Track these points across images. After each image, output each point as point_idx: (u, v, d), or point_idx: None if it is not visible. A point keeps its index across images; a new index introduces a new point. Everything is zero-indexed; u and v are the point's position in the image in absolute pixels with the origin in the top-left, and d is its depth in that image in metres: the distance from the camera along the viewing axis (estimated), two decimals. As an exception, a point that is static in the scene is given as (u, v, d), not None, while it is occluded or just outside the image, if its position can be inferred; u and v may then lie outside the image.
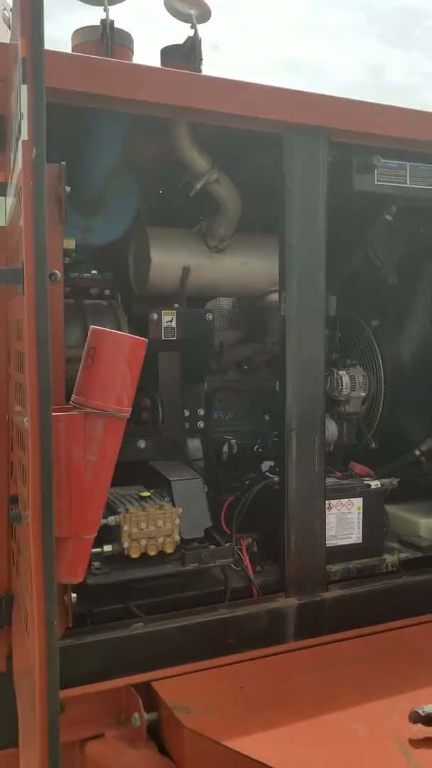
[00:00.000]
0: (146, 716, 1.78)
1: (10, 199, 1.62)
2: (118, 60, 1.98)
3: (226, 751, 1.59)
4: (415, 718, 1.60)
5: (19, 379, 1.37)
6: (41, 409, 1.00)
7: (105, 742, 1.80)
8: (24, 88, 1.00)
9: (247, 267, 2.57)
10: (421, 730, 1.61)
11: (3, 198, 1.76)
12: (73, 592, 1.50)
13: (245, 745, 1.59)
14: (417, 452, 2.82)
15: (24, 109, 1.00)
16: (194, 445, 2.57)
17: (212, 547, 2.13)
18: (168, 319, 2.37)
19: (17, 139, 1.19)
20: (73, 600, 1.50)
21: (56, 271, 1.11)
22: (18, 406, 1.45)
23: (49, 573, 1.01)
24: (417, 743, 1.59)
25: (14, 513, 1.46)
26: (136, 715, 1.80)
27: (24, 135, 1.01)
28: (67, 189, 1.32)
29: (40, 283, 1.02)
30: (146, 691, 1.84)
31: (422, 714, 1.60)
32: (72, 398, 1.30)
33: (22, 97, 1.00)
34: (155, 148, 2.28)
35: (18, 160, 1.17)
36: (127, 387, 1.29)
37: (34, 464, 1.04)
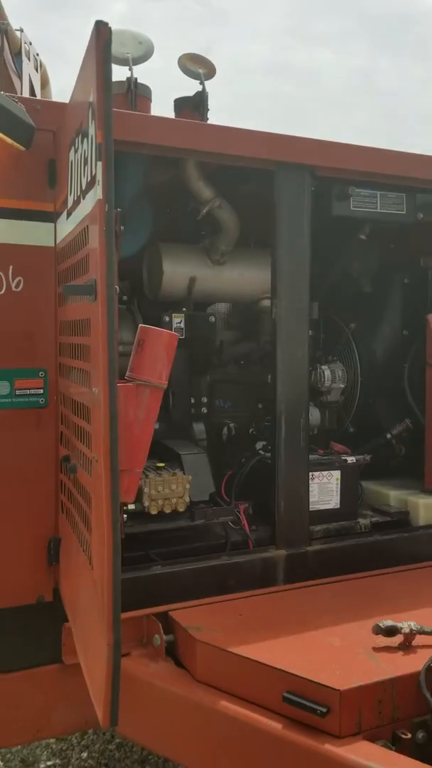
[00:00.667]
0: (165, 637, 2.24)
1: (63, 226, 2.07)
2: (145, 114, 2.43)
3: (230, 656, 2.04)
4: (377, 630, 2.06)
5: (79, 364, 1.82)
6: (110, 382, 1.44)
7: (132, 659, 2.25)
8: (99, 165, 1.44)
9: (243, 277, 3.02)
10: (383, 641, 2.07)
11: (52, 224, 2.21)
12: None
13: (245, 651, 2.04)
14: (388, 435, 3.30)
15: (99, 177, 1.44)
16: (199, 427, 3.02)
17: (216, 507, 2.59)
18: (177, 320, 2.83)
19: (84, 191, 1.63)
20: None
21: (117, 286, 1.53)
22: (76, 386, 1.90)
23: (114, 492, 1.45)
24: (379, 649, 2.04)
25: (71, 465, 1.91)
26: (156, 636, 2.25)
27: (99, 195, 1.45)
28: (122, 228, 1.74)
29: (110, 295, 1.47)
30: (164, 619, 2.28)
31: (382, 627, 2.05)
32: (126, 375, 1.76)
33: (98, 171, 1.44)
34: (168, 179, 2.73)
35: (86, 204, 1.61)
36: (166, 367, 1.76)
37: (105, 419, 1.48)
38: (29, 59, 4.51)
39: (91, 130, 1.52)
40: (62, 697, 2.27)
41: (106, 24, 1.44)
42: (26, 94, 4.41)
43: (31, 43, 4.68)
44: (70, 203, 1.91)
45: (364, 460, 2.93)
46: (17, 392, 2.18)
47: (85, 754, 3.28)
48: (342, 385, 3.24)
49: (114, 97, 2.63)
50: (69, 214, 1.93)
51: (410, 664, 1.95)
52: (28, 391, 2.19)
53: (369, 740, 1.80)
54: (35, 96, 4.64)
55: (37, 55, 4.78)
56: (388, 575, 2.68)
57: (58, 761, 3.23)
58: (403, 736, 1.86)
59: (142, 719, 2.24)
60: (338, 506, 2.84)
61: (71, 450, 2.04)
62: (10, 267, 2.16)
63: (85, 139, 1.62)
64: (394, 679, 1.89)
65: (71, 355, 1.97)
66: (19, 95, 4.47)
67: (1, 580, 2.19)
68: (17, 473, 2.20)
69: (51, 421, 2.22)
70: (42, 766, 3.20)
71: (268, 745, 1.87)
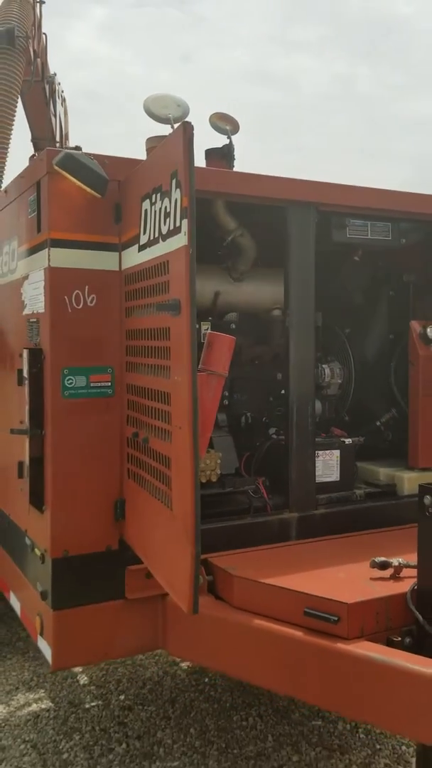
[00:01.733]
0: (207, 577, 2.84)
1: (132, 257, 2.66)
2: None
3: (260, 585, 2.65)
4: (373, 564, 2.69)
5: (154, 362, 2.42)
6: (193, 372, 2.03)
7: (180, 595, 2.85)
8: (185, 222, 2.05)
9: (258, 292, 3.64)
10: (378, 573, 2.68)
11: (116, 253, 2.80)
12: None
13: (272, 581, 2.65)
14: (378, 423, 3.94)
15: (185, 230, 2.04)
16: (222, 417, 3.61)
17: (241, 477, 3.21)
18: (205, 327, 3.44)
19: (164, 235, 2.23)
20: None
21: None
22: (150, 378, 2.49)
23: (196, 449, 2.04)
24: (375, 578, 2.66)
25: (144, 438, 2.50)
26: (200, 576, 2.85)
27: (185, 242, 2.06)
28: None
29: (193, 311, 2.07)
30: (205, 564, 2.88)
31: (377, 562, 2.68)
32: (199, 367, 2.37)
33: (184, 225, 2.05)
34: (201, 213, 3.33)
35: (168, 245, 2.21)
36: (227, 361, 2.38)
37: (188, 398, 2.06)
38: (61, 101, 5.11)
39: (175, 195, 2.13)
40: (124, 626, 2.86)
41: (191, 124, 2.05)
42: (58, 132, 5.02)
43: (60, 83, 5.30)
44: (143, 241, 2.51)
45: (359, 442, 3.57)
46: (92, 385, 2.78)
47: (122, 697, 3.86)
48: (339, 381, 3.87)
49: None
50: (141, 248, 2.54)
51: (399, 587, 2.57)
52: (99, 384, 2.79)
53: (369, 641, 2.42)
54: (65, 132, 5.25)
55: (63, 92, 5.40)
56: (378, 533, 3.30)
57: (100, 702, 3.81)
58: (395, 639, 2.48)
59: (192, 642, 2.85)
60: (338, 479, 3.47)
61: (140, 427, 2.64)
62: (86, 287, 2.75)
63: (166, 198, 2.22)
64: (387, 597, 2.52)
65: (143, 355, 2.57)
66: (57, 136, 5.09)
67: (79, 532, 2.78)
68: (91, 449, 2.79)
69: (117, 407, 2.82)
70: (86, 705, 3.78)
71: (294, 648, 2.49)
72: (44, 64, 4.56)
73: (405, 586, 2.57)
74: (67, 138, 5.73)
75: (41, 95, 4.60)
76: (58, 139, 5.07)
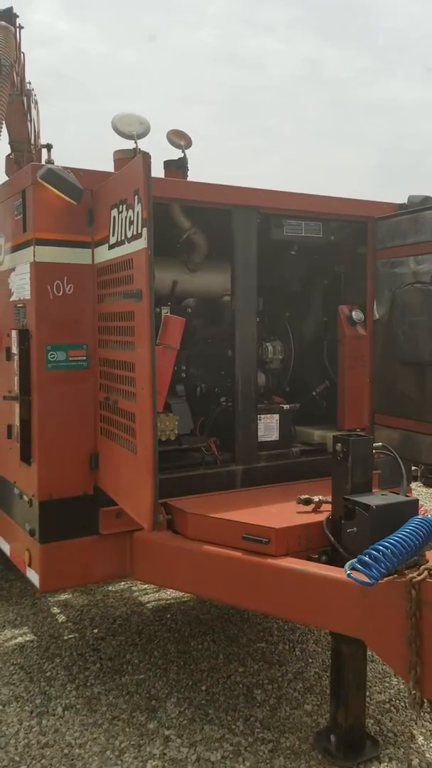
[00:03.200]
0: (166, 516, 3.47)
1: (103, 253, 3.24)
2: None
3: (210, 519, 3.29)
4: (299, 501, 3.35)
5: (121, 338, 3.02)
6: (151, 345, 2.64)
7: (143, 531, 3.47)
8: (145, 230, 2.64)
9: (210, 280, 4.25)
10: (303, 507, 3.34)
11: (89, 250, 3.38)
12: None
13: (218, 515, 3.30)
14: (313, 393, 4.60)
15: (145, 236, 2.64)
16: (180, 387, 4.24)
17: (195, 436, 3.85)
18: (165, 311, 4.04)
19: (128, 238, 2.83)
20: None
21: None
22: (118, 351, 3.10)
23: (154, 404, 2.65)
24: (300, 512, 3.31)
25: (114, 400, 3.11)
26: (161, 515, 3.47)
27: (144, 245, 2.66)
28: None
29: (151, 298, 2.67)
30: (165, 506, 3.51)
31: (302, 498, 3.34)
32: (157, 342, 2.97)
33: (144, 232, 2.64)
34: (160, 215, 3.93)
35: (131, 246, 2.81)
36: (178, 337, 2.99)
37: (148, 366, 2.65)
38: (33, 104, 5.62)
39: (137, 208, 2.72)
40: (98, 556, 3.47)
41: (149, 155, 2.65)
42: (33, 134, 5.54)
43: (30, 83, 5.80)
44: (112, 241, 3.10)
45: (295, 407, 4.23)
46: (70, 359, 3.37)
47: (96, 630, 4.49)
48: (281, 357, 4.53)
49: (122, 161, 3.81)
50: (111, 247, 3.13)
51: (318, 517, 3.24)
52: (76, 358, 3.38)
53: (293, 558, 3.08)
54: (38, 131, 5.78)
55: (36, 95, 5.90)
56: (310, 482, 3.96)
57: (76, 635, 4.43)
58: (313, 557, 3.14)
59: (154, 568, 3.49)
60: (278, 438, 4.13)
61: (109, 392, 3.24)
62: (65, 278, 3.33)
63: (130, 209, 2.81)
64: (308, 524, 3.18)
65: (113, 333, 3.17)
66: (32, 139, 5.61)
67: (60, 480, 3.38)
68: (70, 411, 3.38)
69: (91, 376, 3.41)
70: (65, 637, 4.39)
71: (234, 565, 3.14)
72: (23, 79, 5.08)
73: (323, 516, 3.24)
74: (38, 136, 6.24)
75: (20, 106, 5.11)
76: (32, 140, 5.60)
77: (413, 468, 8.63)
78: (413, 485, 8.45)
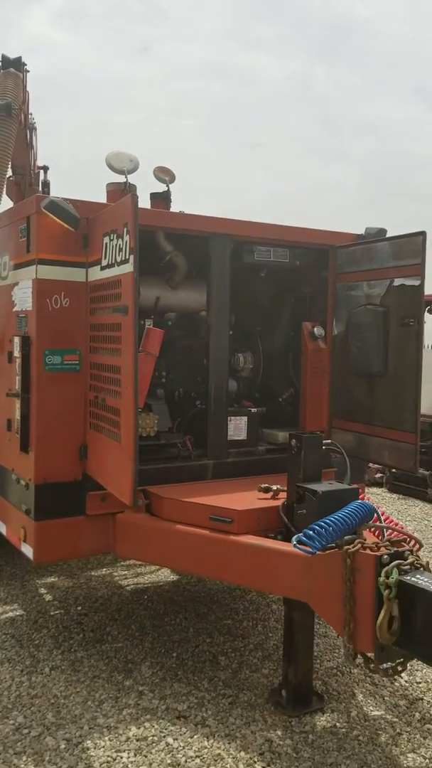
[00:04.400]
0: (144, 501, 4.00)
1: (96, 273, 3.79)
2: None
3: (183, 503, 3.82)
4: (260, 489, 3.89)
5: (110, 346, 3.56)
6: (135, 352, 3.18)
7: (125, 513, 4.00)
8: (132, 257, 3.19)
9: (189, 297, 4.80)
10: (263, 495, 3.89)
11: (84, 269, 3.92)
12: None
13: (189, 500, 3.83)
14: (280, 399, 5.16)
15: (131, 261, 3.18)
16: (160, 391, 4.78)
17: (172, 433, 4.39)
18: (148, 323, 4.59)
19: (118, 262, 3.38)
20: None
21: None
22: (106, 357, 3.63)
23: (136, 400, 3.19)
24: (260, 498, 3.85)
25: (102, 398, 3.64)
26: (140, 500, 4.00)
27: (131, 269, 3.20)
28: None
29: (136, 313, 3.22)
30: (144, 493, 4.03)
31: (262, 487, 3.89)
32: (139, 349, 3.50)
33: (131, 259, 3.19)
34: (146, 239, 4.48)
35: (120, 269, 3.36)
36: (158, 346, 3.55)
37: (131, 370, 3.19)
38: (33, 131, 6.18)
39: (126, 238, 3.28)
40: (85, 534, 3.99)
41: (137, 195, 3.21)
42: (32, 160, 6.10)
43: (31, 114, 6.36)
44: (103, 263, 3.64)
45: (262, 411, 4.79)
46: (65, 362, 3.90)
47: (80, 608, 4.99)
48: (251, 366, 5.08)
49: (114, 193, 4.37)
50: (102, 268, 3.67)
51: (275, 503, 3.78)
52: (70, 362, 3.91)
53: (252, 535, 3.62)
54: (35, 154, 6.34)
55: (35, 123, 6.46)
56: (273, 476, 4.50)
57: (62, 611, 4.92)
58: (270, 535, 3.68)
59: (134, 545, 4.01)
60: (246, 438, 4.68)
61: (99, 392, 3.78)
62: (62, 293, 3.87)
63: (120, 238, 3.36)
64: (266, 507, 3.72)
65: (102, 341, 3.71)
66: (32, 164, 6.16)
67: (54, 467, 3.89)
68: (64, 407, 3.91)
69: (83, 378, 3.94)
70: (51, 613, 4.89)
71: (202, 541, 3.67)
72: (26, 115, 5.63)
73: (279, 502, 3.79)
74: (36, 158, 6.80)
75: (23, 138, 5.66)
76: (32, 165, 6.15)
77: (379, 475, 9.23)
78: (379, 491, 9.04)
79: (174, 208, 4.89)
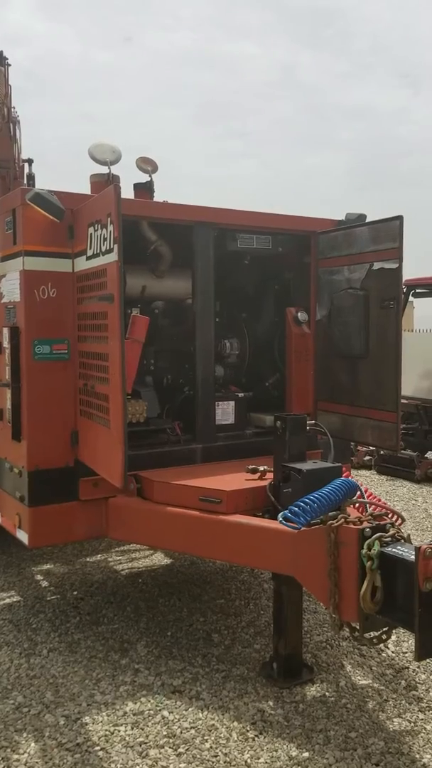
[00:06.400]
0: (136, 485, 4.10)
1: (82, 263, 3.87)
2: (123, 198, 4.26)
3: (173, 485, 3.93)
4: (247, 470, 4.01)
5: (97, 334, 3.65)
6: (121, 339, 3.27)
7: (117, 497, 4.10)
8: (116, 246, 3.27)
9: (174, 285, 4.89)
10: (250, 476, 4.00)
11: (70, 260, 4.00)
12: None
13: (179, 482, 3.94)
14: (267, 383, 5.27)
15: (115, 251, 3.27)
16: (149, 378, 4.88)
17: (161, 419, 4.50)
18: (135, 311, 4.68)
19: (103, 252, 3.46)
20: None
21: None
22: (94, 344, 3.73)
23: (124, 386, 3.28)
24: (248, 479, 3.97)
25: (92, 385, 3.73)
26: (132, 485, 4.10)
27: (115, 258, 3.29)
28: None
29: (122, 301, 3.31)
30: (135, 477, 4.14)
31: (250, 468, 4.00)
32: (126, 336, 3.60)
33: (115, 248, 3.27)
34: (130, 229, 4.56)
35: (105, 259, 3.44)
36: (143, 333, 3.65)
37: (118, 356, 3.28)
38: (17, 124, 6.24)
39: (110, 228, 3.36)
40: (78, 518, 4.09)
41: (119, 186, 3.29)
42: (16, 153, 6.17)
43: (15, 107, 6.42)
44: (89, 254, 3.73)
45: (249, 396, 4.90)
46: (54, 351, 3.99)
47: (76, 592, 5.10)
48: (237, 352, 5.18)
49: (97, 184, 4.45)
50: (88, 258, 3.75)
51: (262, 483, 3.89)
52: (59, 351, 4.00)
53: (241, 515, 3.74)
54: (20, 147, 6.41)
55: (18, 116, 6.52)
56: (260, 458, 4.61)
57: (58, 596, 5.03)
58: (258, 515, 3.79)
59: (126, 527, 4.12)
60: (233, 422, 4.79)
61: (88, 379, 3.87)
62: (49, 283, 3.95)
63: (104, 228, 3.45)
64: (253, 488, 3.84)
65: (90, 330, 3.81)
66: (16, 157, 6.23)
67: (46, 454, 3.99)
68: (54, 396, 4.00)
69: (72, 367, 4.03)
70: (48, 598, 5.00)
71: (192, 522, 3.78)
72: (9, 109, 5.69)
73: (266, 482, 3.90)
74: (20, 152, 6.85)
75: (6, 132, 5.72)
76: (16, 158, 6.20)
77: (368, 457, 9.37)
78: (368, 473, 9.19)
79: (160, 198, 4.97)
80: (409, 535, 3.18)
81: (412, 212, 4.14)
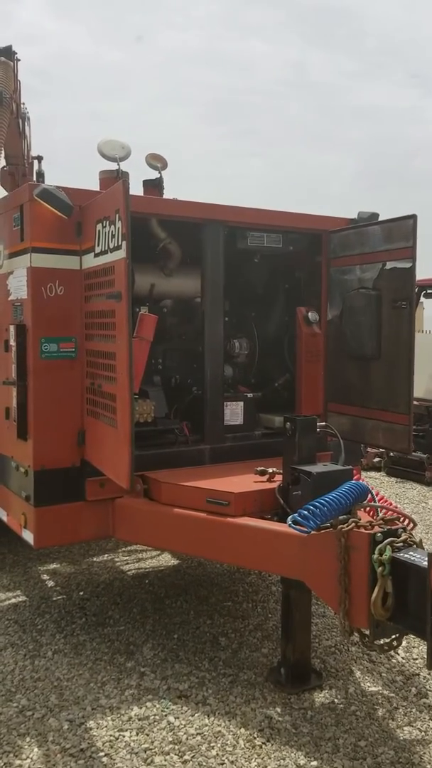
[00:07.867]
0: (143, 486, 4.05)
1: (90, 261, 3.81)
2: (132, 195, 4.19)
3: (180, 486, 3.88)
4: (256, 472, 3.94)
5: (104, 332, 3.60)
6: (129, 338, 3.21)
7: (123, 498, 4.05)
8: (124, 243, 3.22)
9: (183, 283, 4.84)
10: (259, 477, 3.93)
11: (77, 257, 3.95)
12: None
13: (186, 483, 3.88)
14: (276, 384, 5.20)
15: (123, 248, 3.21)
16: (156, 378, 4.82)
17: (168, 419, 4.44)
18: (144, 310, 4.62)
19: (111, 249, 3.40)
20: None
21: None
22: (101, 343, 3.67)
23: (131, 385, 3.22)
24: (257, 481, 3.90)
25: (98, 383, 3.67)
26: (138, 485, 4.04)
27: (123, 255, 3.23)
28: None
29: (129, 299, 3.25)
30: (142, 478, 4.08)
31: (258, 469, 3.94)
32: (134, 335, 3.53)
33: (123, 245, 3.21)
34: (139, 227, 4.50)
35: (113, 256, 3.38)
36: (151, 331, 3.58)
37: (126, 355, 3.22)
38: (26, 121, 6.19)
39: (118, 224, 3.30)
40: (85, 519, 4.04)
41: (128, 182, 3.23)
42: (25, 148, 6.11)
43: (24, 103, 6.36)
44: (97, 251, 3.67)
45: (258, 396, 4.83)
46: (61, 350, 3.94)
47: (82, 593, 5.05)
48: (247, 352, 5.12)
49: (106, 180, 4.39)
50: (96, 256, 3.70)
51: (271, 485, 3.83)
52: (66, 349, 3.94)
53: (249, 517, 3.67)
54: (29, 144, 6.36)
55: (28, 113, 6.47)
56: (269, 460, 4.55)
57: (64, 596, 4.99)
58: (266, 517, 3.73)
59: (133, 528, 4.06)
60: (242, 423, 4.72)
61: (95, 378, 3.82)
62: (57, 281, 3.90)
63: (112, 225, 3.39)
64: (262, 490, 3.77)
65: (97, 328, 3.75)
66: (25, 153, 6.18)
67: (52, 453, 3.94)
68: (61, 394, 3.95)
69: (79, 365, 3.98)
70: (54, 598, 4.95)
71: (200, 524, 3.72)
72: (18, 105, 5.64)
73: (275, 484, 3.84)
74: (30, 148, 6.81)
75: (16, 128, 5.67)
76: (25, 155, 6.16)
77: (377, 459, 9.28)
78: (377, 475, 9.10)
79: (169, 195, 4.91)
80: (421, 540, 3.10)
81: (421, 213, 4.06)
